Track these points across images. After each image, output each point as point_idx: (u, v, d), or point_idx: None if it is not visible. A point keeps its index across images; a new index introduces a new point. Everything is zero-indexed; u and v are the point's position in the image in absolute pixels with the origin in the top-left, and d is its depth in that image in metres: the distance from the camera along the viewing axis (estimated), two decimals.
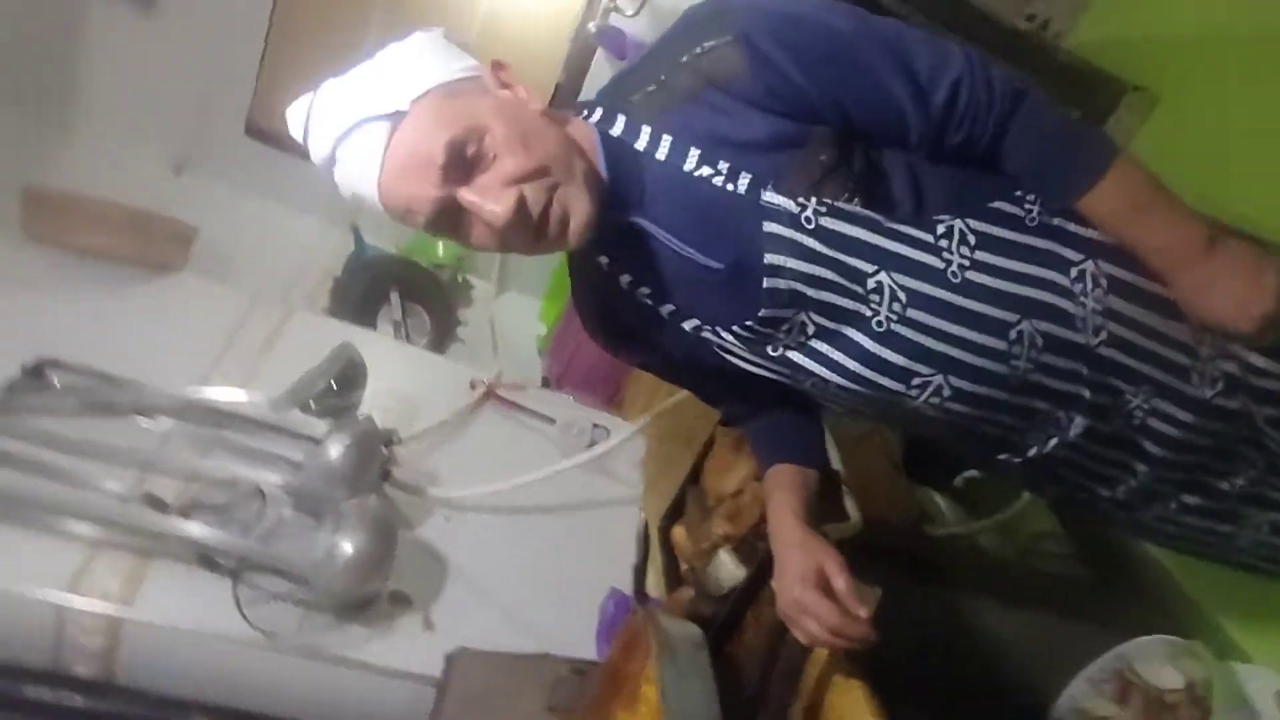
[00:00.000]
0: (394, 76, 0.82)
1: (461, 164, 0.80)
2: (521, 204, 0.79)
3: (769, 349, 0.90)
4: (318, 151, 0.85)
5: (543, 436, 2.10)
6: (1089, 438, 0.91)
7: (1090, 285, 0.85)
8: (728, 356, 0.96)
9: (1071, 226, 0.86)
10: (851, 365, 0.87)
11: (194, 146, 2.80)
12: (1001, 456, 0.97)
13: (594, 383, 2.53)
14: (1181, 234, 0.82)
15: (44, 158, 2.56)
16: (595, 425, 2.12)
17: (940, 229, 0.84)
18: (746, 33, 0.81)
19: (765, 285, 0.83)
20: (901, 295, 0.83)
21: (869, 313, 0.84)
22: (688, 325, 0.94)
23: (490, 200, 0.79)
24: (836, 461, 1.43)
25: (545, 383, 2.69)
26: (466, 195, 0.80)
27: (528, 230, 0.81)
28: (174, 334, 1.92)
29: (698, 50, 0.83)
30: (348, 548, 1.39)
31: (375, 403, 1.81)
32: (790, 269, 0.82)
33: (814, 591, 0.95)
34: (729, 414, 1.27)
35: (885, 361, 0.85)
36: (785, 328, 0.87)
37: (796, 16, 0.82)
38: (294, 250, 2.80)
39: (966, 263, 0.84)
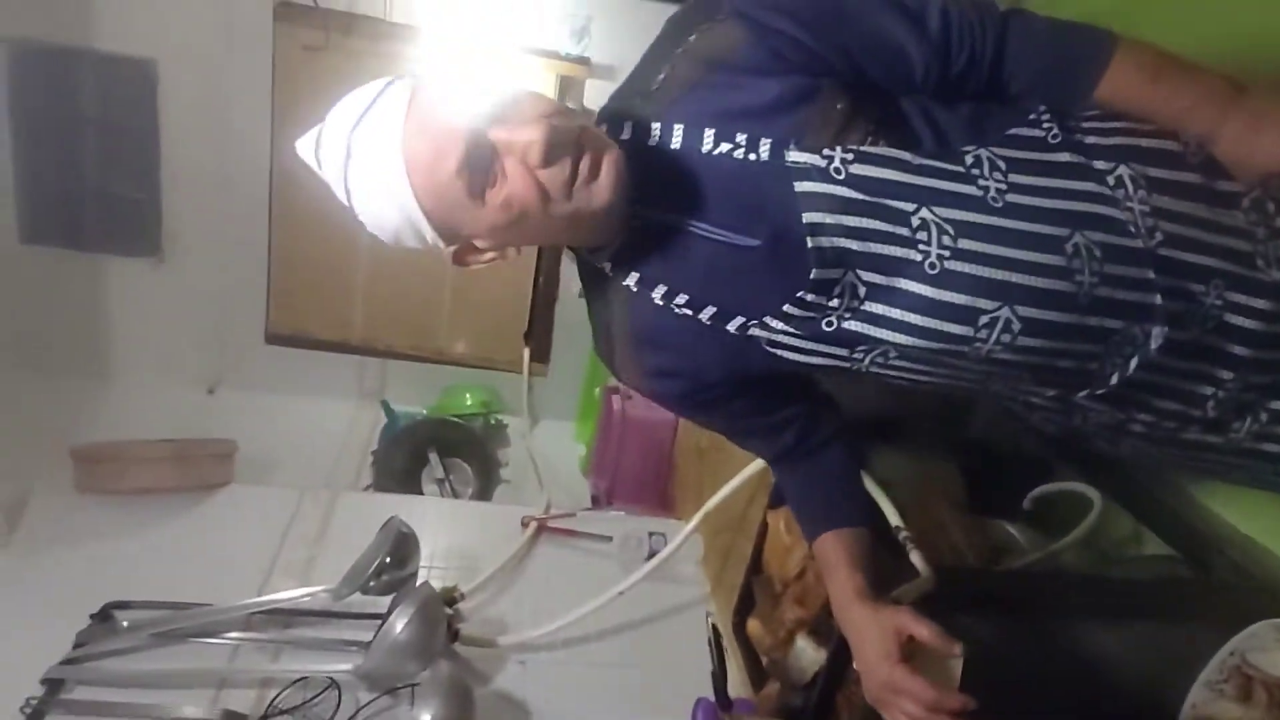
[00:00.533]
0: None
1: (491, 106, 0.78)
2: (554, 128, 0.77)
3: (824, 324, 0.85)
4: (329, 155, 0.82)
5: (602, 557, 2.09)
6: (1170, 351, 0.85)
7: (1132, 188, 0.83)
8: (779, 353, 0.89)
9: (1091, 138, 0.85)
10: (913, 319, 0.82)
11: (222, 365, 2.96)
12: (1083, 396, 0.90)
13: (641, 490, 2.52)
14: (1206, 87, 0.81)
15: (87, 410, 2.71)
16: (651, 533, 2.10)
17: (969, 159, 0.83)
18: (739, 8, 0.83)
19: (810, 245, 0.80)
20: (949, 229, 0.80)
21: (919, 255, 0.81)
22: (732, 326, 0.88)
23: (522, 129, 0.77)
24: (895, 516, 1.39)
25: (594, 501, 2.68)
26: (497, 130, 0.77)
27: (564, 156, 0.78)
28: (231, 545, 1.98)
29: (692, 37, 0.84)
30: None
31: (433, 565, 1.83)
32: (831, 224, 0.80)
33: (901, 668, 0.89)
34: (769, 454, 1.17)
35: (947, 305, 0.81)
36: (837, 292, 0.83)
37: None
38: (330, 436, 2.89)
39: (1004, 186, 0.82)
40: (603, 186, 0.79)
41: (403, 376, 3.03)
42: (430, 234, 0.82)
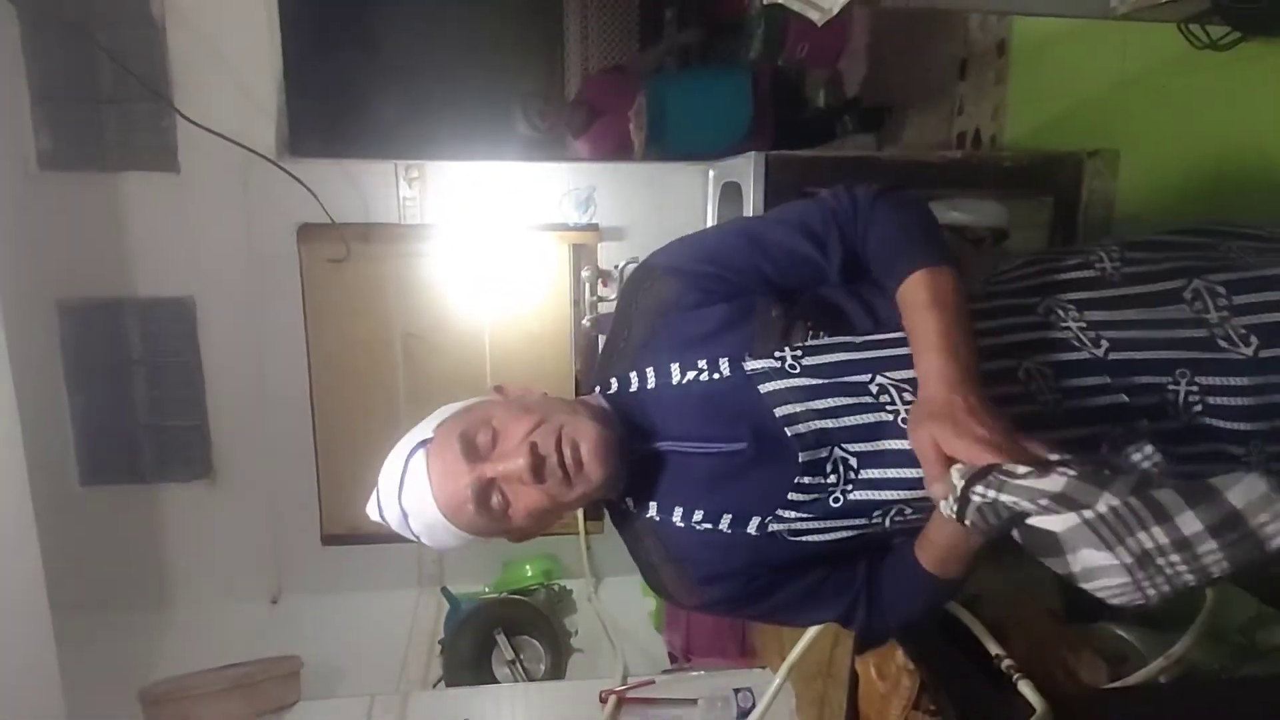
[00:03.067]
0: (423, 425, 0.98)
1: (477, 449, 0.91)
2: (534, 449, 0.89)
3: (831, 501, 0.91)
4: (392, 516, 0.96)
5: None
6: (1170, 440, 0.86)
7: (1062, 314, 0.93)
8: (804, 539, 0.95)
9: (1012, 284, 0.97)
10: (907, 473, 0.88)
11: (282, 574, 2.97)
12: None
13: (720, 642, 2.40)
14: (950, 353, 0.82)
15: (155, 641, 2.71)
16: (737, 690, 1.98)
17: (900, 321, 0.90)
18: (666, 266, 1.00)
19: (790, 434, 0.89)
20: (906, 386, 0.88)
21: (889, 415, 0.89)
22: (752, 528, 0.94)
23: (509, 461, 0.90)
24: (993, 643, 1.30)
25: (672, 658, 2.56)
26: (491, 468, 0.90)
27: (552, 468, 0.89)
28: None
29: (638, 299, 1.00)
30: None
31: None
32: (802, 411, 0.90)
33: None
34: (840, 617, 1.08)
35: None
36: (829, 470, 0.90)
37: (698, 238, 1.03)
38: (396, 630, 2.84)
39: None
40: (591, 470, 0.90)
41: (461, 558, 3.00)
42: (490, 540, 0.98)
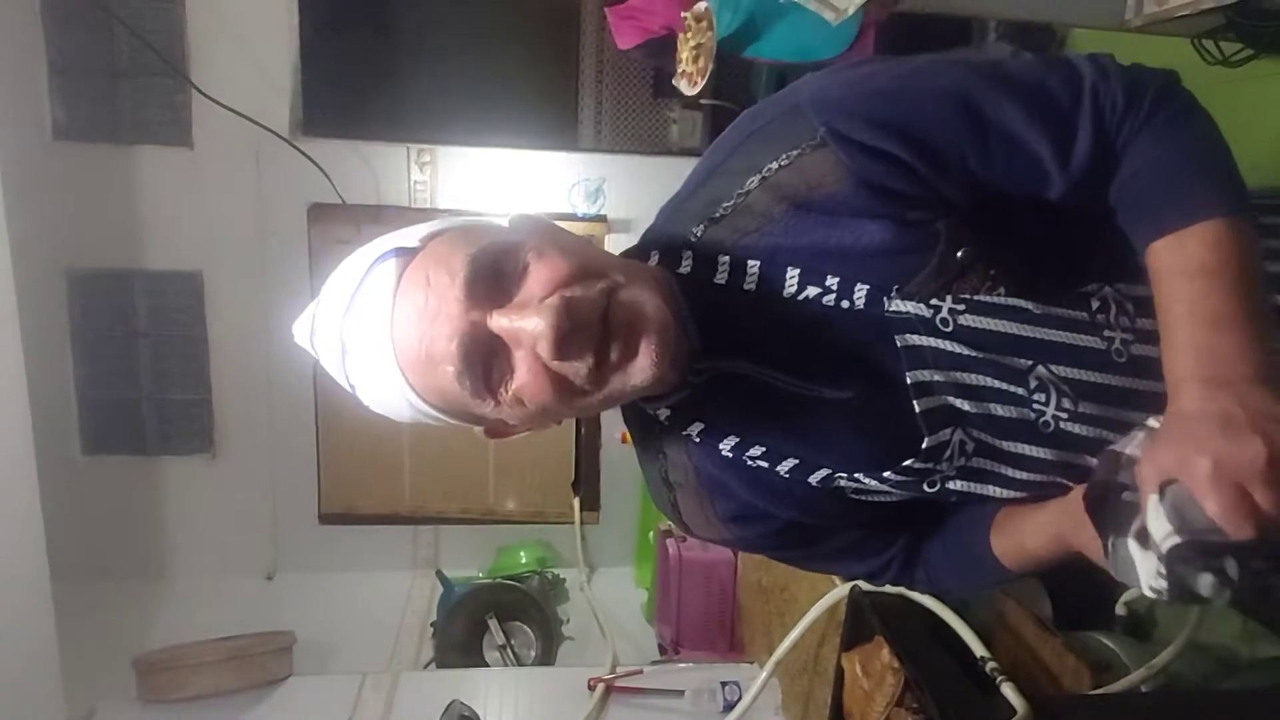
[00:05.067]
0: (408, 230, 0.68)
1: (488, 285, 0.62)
2: (569, 306, 0.60)
3: (925, 485, 0.73)
4: (325, 346, 0.67)
5: (676, 714, 1.99)
6: None
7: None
8: (866, 498, 0.78)
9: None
10: (1023, 476, 0.71)
11: (278, 551, 2.99)
12: None
13: (708, 634, 2.42)
14: (1244, 335, 0.58)
15: (151, 612, 2.74)
16: (724, 683, 2.00)
17: (1095, 303, 0.70)
18: (834, 128, 0.66)
19: (919, 409, 0.68)
20: (1068, 390, 0.69)
21: (1033, 415, 0.69)
22: (815, 479, 0.75)
23: (525, 314, 0.61)
24: (979, 645, 1.31)
25: (662, 649, 2.58)
26: (497, 319, 0.62)
27: (585, 343, 0.62)
28: None
29: (775, 165, 0.69)
30: None
31: None
32: (942, 382, 0.68)
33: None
34: (869, 573, 0.94)
35: (1061, 464, 0.70)
36: (947, 455, 0.71)
37: (888, 89, 0.68)
38: (389, 611, 2.86)
39: (1130, 336, 0.69)
40: (641, 368, 0.63)
41: (456, 541, 3.03)
42: (449, 422, 0.69)
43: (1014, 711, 1.13)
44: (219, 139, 2.61)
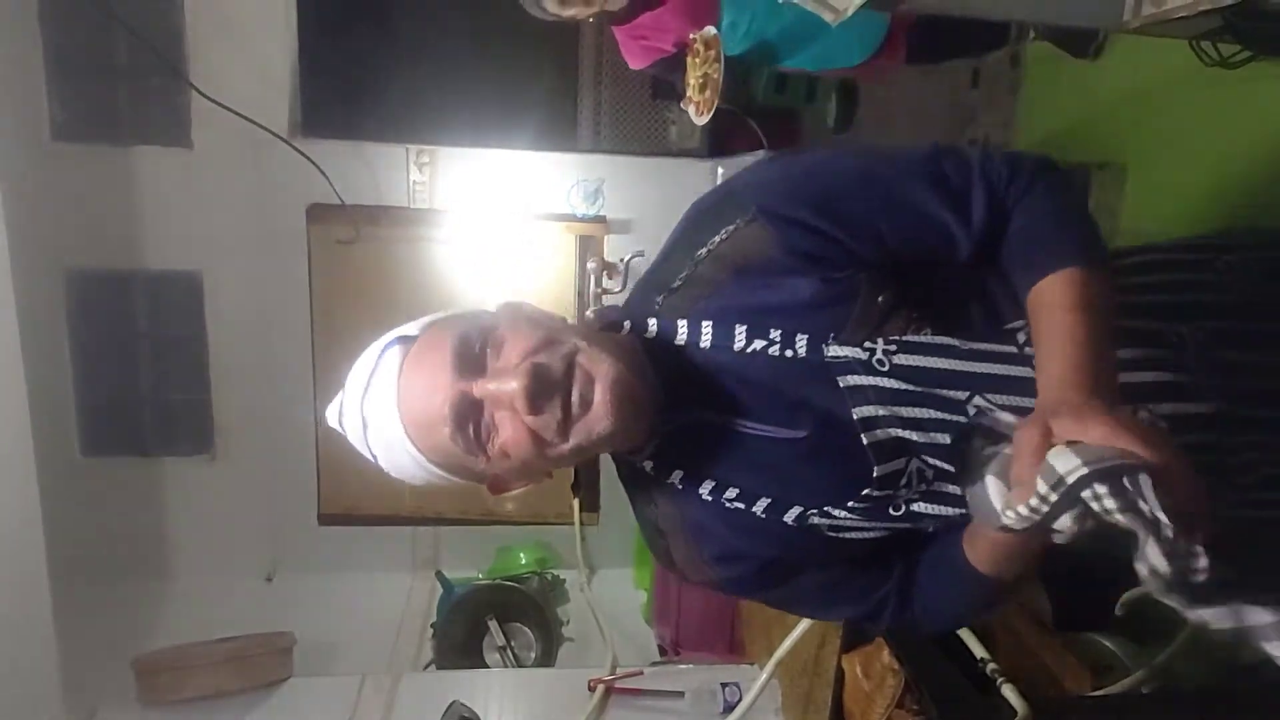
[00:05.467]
0: (410, 323, 0.81)
1: (472, 361, 0.75)
2: (535, 371, 0.72)
3: (890, 509, 0.81)
4: (351, 425, 0.81)
5: (677, 715, 1.99)
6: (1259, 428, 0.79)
7: (1191, 346, 0.79)
8: (842, 535, 0.84)
9: (1131, 299, 0.81)
10: None
11: (278, 552, 2.99)
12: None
13: (708, 637, 2.42)
14: (1088, 363, 0.67)
15: (151, 613, 2.74)
16: (724, 684, 2.01)
17: (1021, 337, 0.77)
18: (761, 206, 0.78)
19: (867, 441, 0.76)
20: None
21: None
22: (789, 517, 0.83)
23: (503, 380, 0.73)
24: (979, 647, 1.31)
25: (662, 651, 2.58)
26: (480, 386, 0.74)
27: (552, 398, 0.73)
28: None
29: (717, 239, 0.80)
30: None
31: None
32: (885, 416, 0.76)
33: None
34: (865, 615, 0.96)
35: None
36: (904, 482, 0.78)
37: (805, 173, 0.81)
38: (389, 612, 2.86)
39: None
40: (598, 416, 0.74)
41: (456, 543, 3.02)
42: (455, 480, 0.81)
43: (1014, 712, 1.14)
44: (218, 139, 2.60)
